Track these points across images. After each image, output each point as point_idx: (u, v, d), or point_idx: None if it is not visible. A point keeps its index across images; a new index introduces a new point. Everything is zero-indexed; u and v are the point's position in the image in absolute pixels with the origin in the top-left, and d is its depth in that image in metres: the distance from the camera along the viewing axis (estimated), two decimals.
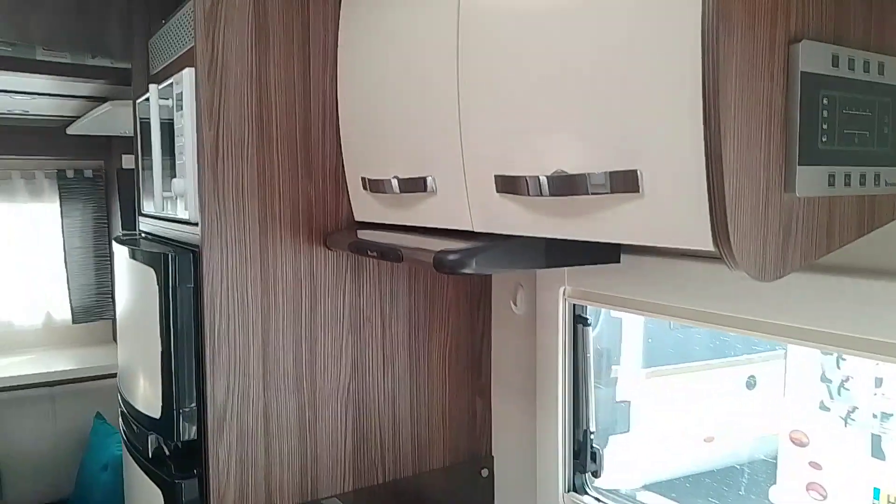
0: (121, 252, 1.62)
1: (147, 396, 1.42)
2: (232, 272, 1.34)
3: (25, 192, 3.39)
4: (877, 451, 1.42)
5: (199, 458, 1.34)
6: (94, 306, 3.55)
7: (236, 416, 1.35)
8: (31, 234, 3.40)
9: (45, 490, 2.94)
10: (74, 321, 3.50)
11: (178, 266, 1.31)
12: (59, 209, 3.44)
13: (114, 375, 3.23)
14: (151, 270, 1.35)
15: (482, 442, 1.70)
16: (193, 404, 1.31)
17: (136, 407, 1.49)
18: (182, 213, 1.37)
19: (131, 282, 1.53)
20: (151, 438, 1.39)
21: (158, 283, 1.32)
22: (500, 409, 1.70)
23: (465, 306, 1.65)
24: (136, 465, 1.48)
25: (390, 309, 1.55)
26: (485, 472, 1.69)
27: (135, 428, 1.50)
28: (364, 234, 1.31)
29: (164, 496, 1.33)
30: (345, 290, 1.48)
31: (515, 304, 1.63)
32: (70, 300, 3.48)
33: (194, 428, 1.32)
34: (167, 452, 1.36)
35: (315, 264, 1.42)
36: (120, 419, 1.70)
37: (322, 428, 1.46)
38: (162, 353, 1.33)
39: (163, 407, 1.32)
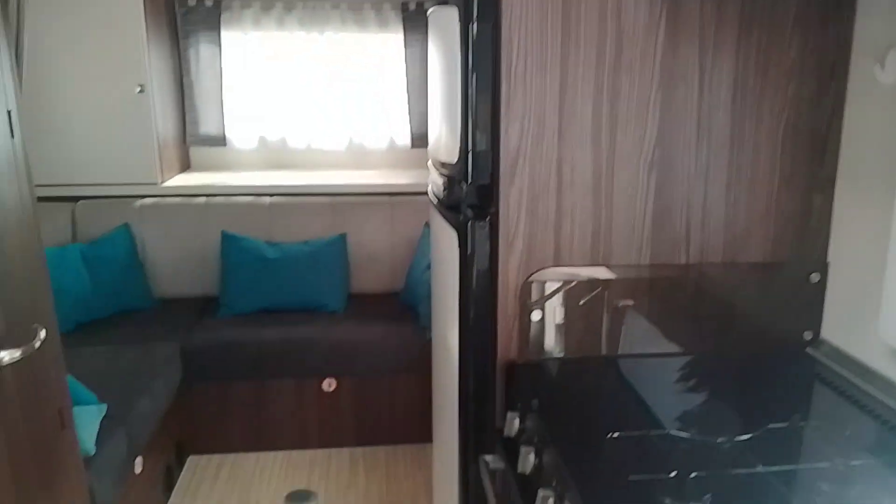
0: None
1: (448, 146, 1.44)
2: (531, 9, 1.23)
3: (374, 23, 3.67)
4: None
5: (492, 205, 1.32)
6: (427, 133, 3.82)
7: (528, 164, 1.29)
8: (379, 63, 3.72)
9: (381, 280, 3.36)
10: (413, 146, 3.82)
11: (478, 4, 1.25)
12: (402, 40, 3.68)
13: None
14: (454, 9, 1.31)
15: (815, 244, 1.41)
16: (487, 147, 1.28)
17: (440, 160, 1.52)
18: None
19: (438, 45, 1.53)
20: (450, 184, 1.41)
21: (460, 20, 1.27)
22: (844, 207, 1.37)
23: (810, 71, 1.33)
24: (438, 215, 1.53)
25: (711, 66, 1.30)
26: (814, 278, 1.41)
27: (439, 181, 1.55)
28: None
29: (458, 237, 1.35)
30: (657, 38, 1.27)
31: (883, 68, 1.25)
32: (410, 126, 3.78)
33: (488, 171, 1.29)
34: (463, 197, 1.36)
35: (623, 1, 1.24)
36: (430, 186, 1.78)
37: (620, 191, 1.33)
38: (461, 95, 1.31)
39: (460, 150, 1.32)
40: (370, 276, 3.36)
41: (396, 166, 3.90)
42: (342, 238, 3.27)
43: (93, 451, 1.96)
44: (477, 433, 1.41)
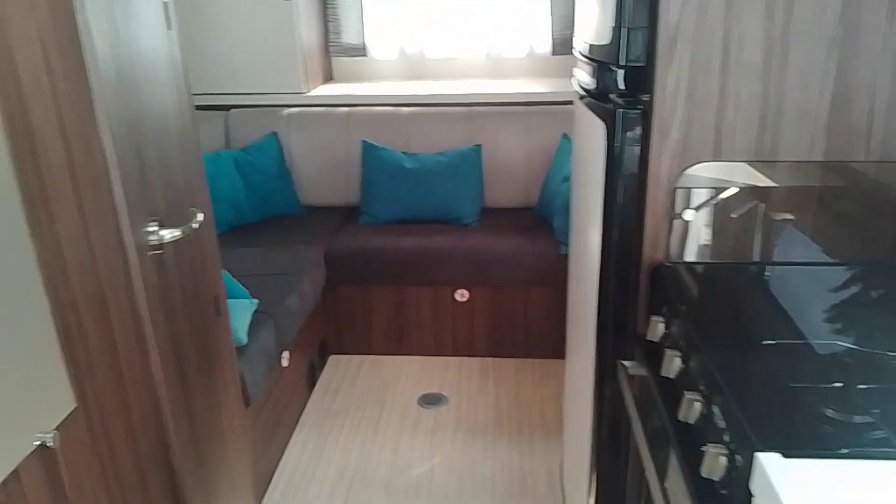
0: None
1: (598, 25, 1.31)
2: None
3: None
4: None
5: (645, 90, 1.20)
6: (571, 38, 3.61)
7: (689, 41, 1.15)
8: None
9: (515, 193, 3.29)
10: (553, 52, 3.63)
11: None
12: None
13: None
14: None
15: None
16: (643, 23, 1.15)
17: (589, 42, 1.39)
18: None
19: None
20: (598, 70, 1.29)
21: None
22: None
23: None
24: (583, 108, 1.43)
25: None
26: None
27: (586, 69, 1.43)
28: None
29: (605, 128, 1.25)
30: None
31: None
32: (552, 31, 3.59)
33: (642, 51, 1.17)
34: (613, 83, 1.25)
35: None
36: (576, 82, 1.66)
37: (794, 73, 1.16)
38: None
39: (613, 28, 1.19)
40: (504, 189, 3.30)
41: (535, 75, 3.75)
42: (477, 149, 3.21)
43: (245, 341, 2.09)
44: (616, 338, 1.34)
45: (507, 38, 3.63)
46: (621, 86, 1.23)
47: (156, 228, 1.31)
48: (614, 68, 1.22)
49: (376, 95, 3.41)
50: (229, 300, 2.07)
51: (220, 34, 3.31)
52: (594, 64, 1.33)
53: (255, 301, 2.28)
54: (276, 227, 3.11)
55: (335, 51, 3.68)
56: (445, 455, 2.47)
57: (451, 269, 2.92)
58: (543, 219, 3.14)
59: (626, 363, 1.28)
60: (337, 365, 3.03)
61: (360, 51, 3.66)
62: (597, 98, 1.33)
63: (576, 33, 1.67)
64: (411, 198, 3.13)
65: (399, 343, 3.05)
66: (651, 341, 1.20)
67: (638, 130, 1.21)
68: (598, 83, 1.32)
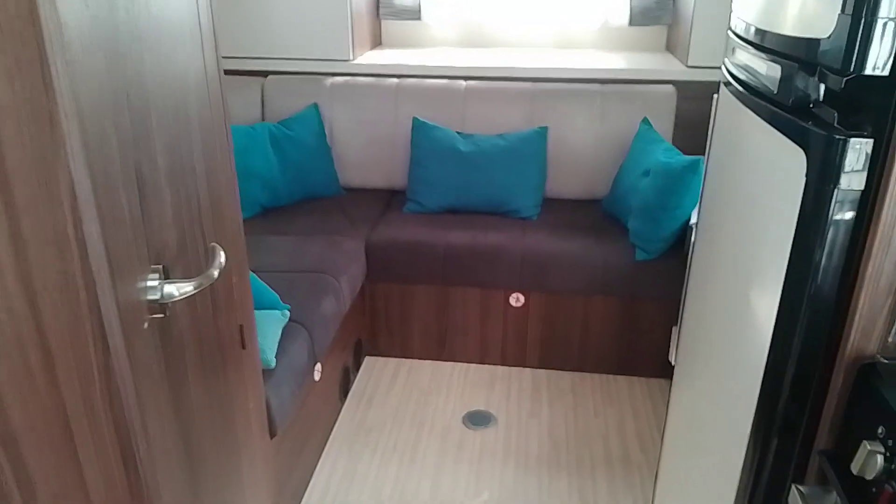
0: None
1: (803, 13, 0.89)
2: None
3: None
4: None
5: (876, 111, 0.78)
6: (654, 8, 3.14)
7: None
8: None
9: (582, 184, 2.86)
10: (631, 23, 3.16)
11: None
12: None
13: (666, 82, 2.96)
14: None
15: None
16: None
17: (778, 32, 0.97)
18: None
19: None
20: (797, 70, 0.88)
21: None
22: None
23: None
24: (749, 112, 1.01)
25: None
26: None
27: (763, 66, 1.00)
28: None
29: (807, 160, 0.84)
30: None
31: None
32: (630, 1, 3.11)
33: (889, 53, 0.75)
34: (822, 97, 0.83)
35: None
36: (727, 68, 1.23)
37: None
38: None
39: (840, 16, 0.77)
40: (570, 179, 2.87)
41: (610, 49, 3.28)
42: (542, 132, 2.78)
43: (273, 364, 1.74)
44: (786, 449, 0.95)
45: (579, 6, 3.16)
46: (841, 102, 0.81)
47: (157, 283, 0.89)
48: (833, 75, 0.80)
49: (430, 66, 2.98)
50: (257, 313, 1.71)
51: None
52: (786, 62, 0.90)
53: (287, 310, 1.92)
54: (312, 212, 2.73)
55: (387, 12, 3.24)
56: (494, 491, 2.12)
57: (505, 271, 2.53)
58: (613, 216, 2.72)
59: (803, 489, 0.89)
60: (372, 369, 2.68)
61: (414, 13, 3.22)
62: (786, 110, 0.91)
63: (734, 3, 1.23)
64: (464, 185, 2.73)
65: (442, 348, 2.69)
66: (859, 477, 0.80)
67: (864, 169, 0.79)
68: (790, 89, 0.89)
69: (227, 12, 2.92)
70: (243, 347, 1.35)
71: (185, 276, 1.02)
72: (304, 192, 2.81)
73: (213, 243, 1.09)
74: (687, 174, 2.33)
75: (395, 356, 2.71)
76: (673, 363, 1.72)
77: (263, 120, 2.91)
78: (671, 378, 1.78)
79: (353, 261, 2.43)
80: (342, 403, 2.47)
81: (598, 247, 2.51)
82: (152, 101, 0.93)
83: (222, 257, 1.03)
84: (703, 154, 1.57)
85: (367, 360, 2.71)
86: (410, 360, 2.71)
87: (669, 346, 1.90)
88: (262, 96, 2.94)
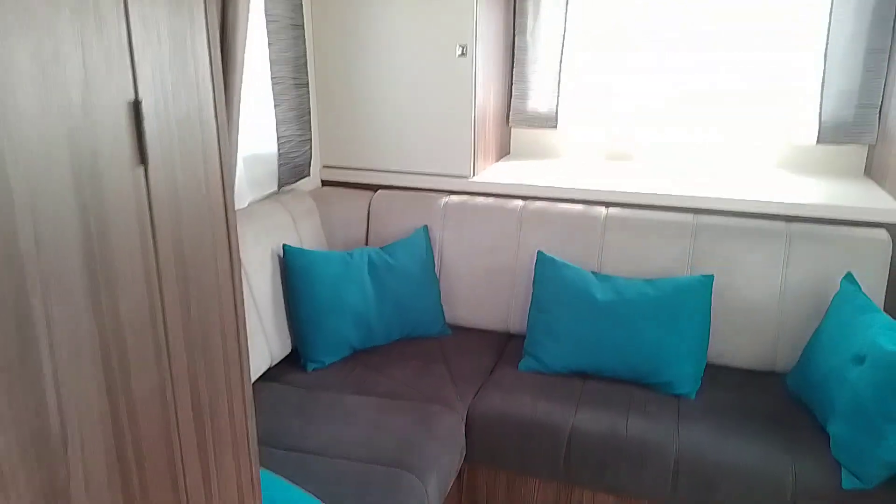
0: None
1: None
2: None
3: None
4: None
5: None
6: (852, 123, 2.43)
7: None
8: (785, 24, 2.42)
9: (757, 349, 2.14)
10: (819, 140, 2.47)
11: None
12: None
13: (878, 225, 2.10)
14: None
15: None
16: None
17: None
18: None
19: None
20: None
21: None
22: None
23: None
24: None
25: None
26: None
27: None
28: None
29: None
30: None
31: None
32: (820, 112, 2.43)
33: None
34: None
35: None
36: None
37: None
38: None
39: None
40: (742, 344, 2.17)
41: (791, 171, 2.59)
42: (706, 281, 2.12)
43: None
44: None
45: (753, 117, 2.51)
46: None
47: None
48: None
49: (563, 188, 2.43)
50: None
51: (375, 94, 2.51)
52: None
53: None
54: (409, 359, 2.20)
55: (518, 119, 2.76)
56: None
57: (651, 476, 1.85)
58: (801, 403, 1.98)
59: None
60: None
61: (550, 121, 2.71)
62: None
63: None
64: (599, 343, 2.10)
65: None
66: None
67: None
68: None
69: (337, 115, 2.56)
70: None
71: None
72: (404, 330, 2.30)
73: None
74: None
75: None
76: None
77: (367, 243, 2.47)
78: None
79: (449, 447, 1.86)
80: None
81: (787, 455, 1.78)
82: None
83: None
84: None
85: None
86: None
87: None
88: (368, 213, 2.51)
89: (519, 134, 2.85)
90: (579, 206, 2.35)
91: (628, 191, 2.35)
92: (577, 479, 1.91)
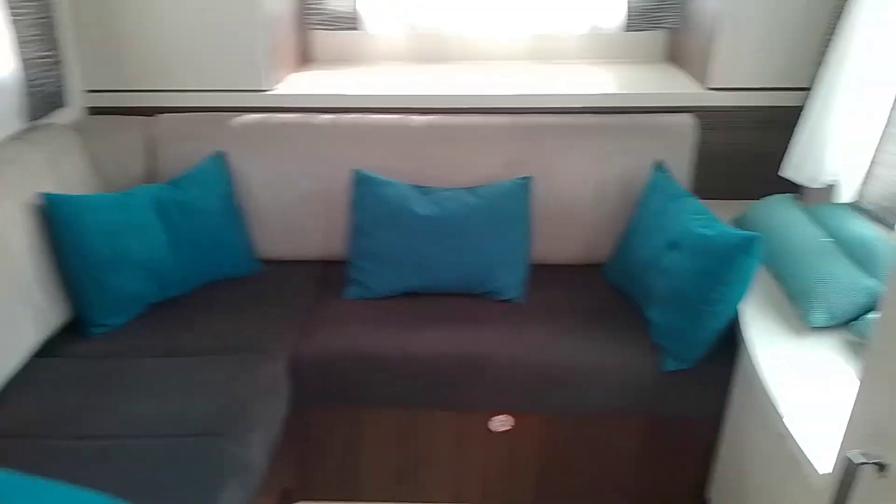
0: None
1: None
2: None
3: None
4: None
5: None
6: (655, 8, 2.42)
7: None
8: None
9: (579, 247, 2.14)
10: (629, 27, 2.44)
11: None
12: None
13: (684, 110, 2.10)
14: None
15: None
16: None
17: None
18: None
19: None
20: None
21: None
22: None
23: None
24: None
25: None
26: None
27: None
28: None
29: None
30: None
31: None
32: None
33: None
34: None
35: None
36: None
37: None
38: None
39: None
40: (562, 241, 2.15)
41: (599, 60, 2.56)
42: (525, 184, 2.04)
43: None
44: None
45: (560, 7, 2.42)
46: None
47: None
48: None
49: (375, 96, 2.21)
50: None
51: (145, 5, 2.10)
52: None
53: None
54: (218, 305, 1.94)
55: (314, 21, 2.46)
56: None
57: (486, 386, 1.80)
58: (622, 292, 2.01)
59: None
60: None
61: (351, 22, 2.44)
62: None
63: None
64: (426, 259, 1.99)
65: (401, 487, 1.96)
66: None
67: None
68: None
69: (101, 27, 2.12)
70: None
71: None
72: (207, 274, 2.03)
73: None
74: (738, 255, 1.62)
75: (340, 500, 1.97)
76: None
77: (151, 180, 2.12)
78: None
79: (273, 399, 1.68)
80: None
81: (613, 347, 1.80)
82: None
83: None
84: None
85: None
86: (360, 503, 1.97)
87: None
88: (148, 143, 2.14)
89: (320, 39, 2.55)
90: (394, 116, 2.15)
91: (445, 94, 2.19)
92: (417, 402, 1.82)
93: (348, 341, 1.81)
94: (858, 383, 0.97)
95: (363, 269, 2.01)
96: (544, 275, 2.09)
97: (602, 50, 2.54)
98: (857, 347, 1.51)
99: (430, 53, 2.54)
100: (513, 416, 1.84)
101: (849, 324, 1.57)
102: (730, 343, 1.71)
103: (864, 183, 1.74)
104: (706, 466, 1.85)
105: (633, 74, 2.37)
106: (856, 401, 0.96)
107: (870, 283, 1.57)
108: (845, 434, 0.99)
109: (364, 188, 2.03)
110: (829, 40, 1.91)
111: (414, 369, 1.78)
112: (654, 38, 2.53)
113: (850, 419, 0.97)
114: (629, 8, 2.40)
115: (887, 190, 1.65)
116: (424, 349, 1.79)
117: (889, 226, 1.64)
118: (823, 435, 1.25)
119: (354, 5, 2.40)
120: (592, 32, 2.48)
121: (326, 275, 2.12)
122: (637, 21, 2.43)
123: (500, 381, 1.78)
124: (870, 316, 1.49)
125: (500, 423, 1.85)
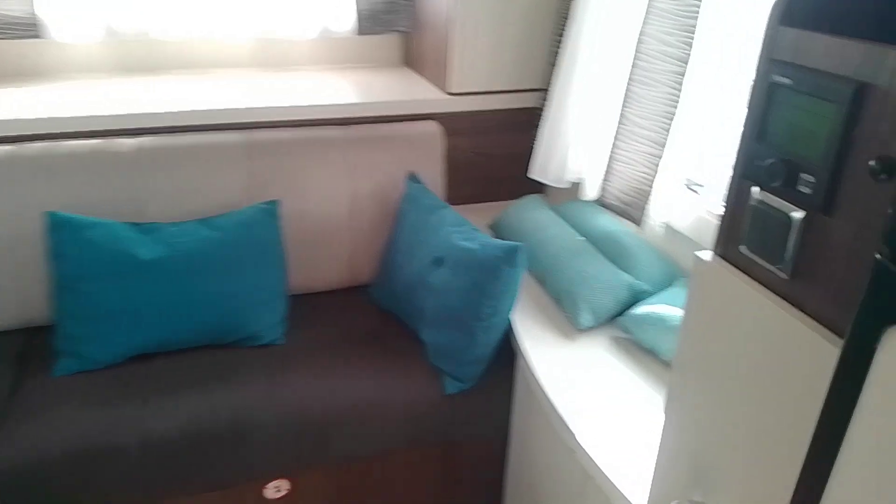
0: None
1: None
2: None
3: None
4: None
5: None
6: (384, 10, 2.32)
7: None
8: None
9: (340, 270, 1.96)
10: (361, 31, 2.31)
11: None
12: None
13: (428, 117, 2.02)
14: None
15: None
16: None
17: None
18: None
19: None
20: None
21: None
22: None
23: None
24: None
25: None
26: None
27: None
28: None
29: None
30: None
31: None
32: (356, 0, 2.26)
33: None
34: None
35: None
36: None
37: None
38: None
39: None
40: (321, 267, 1.95)
41: (333, 66, 2.40)
42: (271, 208, 1.80)
43: None
44: None
45: (287, 12, 2.21)
46: None
47: None
48: None
49: (68, 118, 1.79)
50: None
51: None
52: None
53: None
54: None
55: None
56: None
57: (254, 452, 1.54)
58: (392, 315, 1.87)
59: None
60: None
61: (30, 28, 1.96)
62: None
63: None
64: (156, 311, 1.64)
65: None
66: None
67: None
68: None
69: None
70: None
71: None
72: None
73: None
74: (504, 267, 1.56)
75: None
76: None
77: None
78: None
79: None
80: None
81: (391, 378, 1.65)
82: None
83: None
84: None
85: None
86: None
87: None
88: None
89: None
90: (96, 141, 1.76)
91: (159, 111, 1.84)
92: (169, 491, 1.48)
93: (64, 434, 1.41)
94: (663, 419, 0.88)
95: (73, 336, 1.60)
96: (306, 307, 1.87)
97: (335, 55, 2.38)
98: (624, 343, 1.54)
99: (136, 62, 2.16)
100: (290, 479, 1.60)
101: (614, 320, 1.60)
102: (508, 356, 1.65)
103: (605, 179, 1.79)
104: (500, 485, 1.79)
105: (370, 80, 2.24)
106: (662, 439, 0.87)
107: (626, 277, 1.61)
108: (656, 476, 0.89)
109: (63, 233, 1.61)
110: (558, 41, 1.95)
111: (158, 455, 1.45)
112: (388, 42, 2.43)
113: (658, 460, 0.88)
114: (358, 11, 2.26)
115: (626, 185, 1.72)
116: (167, 426, 1.46)
117: (633, 219, 1.70)
118: (616, 450, 1.22)
119: (32, 9, 1.93)
120: (323, 37, 2.31)
121: (28, 348, 1.66)
122: (368, 24, 2.31)
123: (270, 443, 1.53)
124: (634, 312, 1.52)
125: (275, 489, 1.59)
